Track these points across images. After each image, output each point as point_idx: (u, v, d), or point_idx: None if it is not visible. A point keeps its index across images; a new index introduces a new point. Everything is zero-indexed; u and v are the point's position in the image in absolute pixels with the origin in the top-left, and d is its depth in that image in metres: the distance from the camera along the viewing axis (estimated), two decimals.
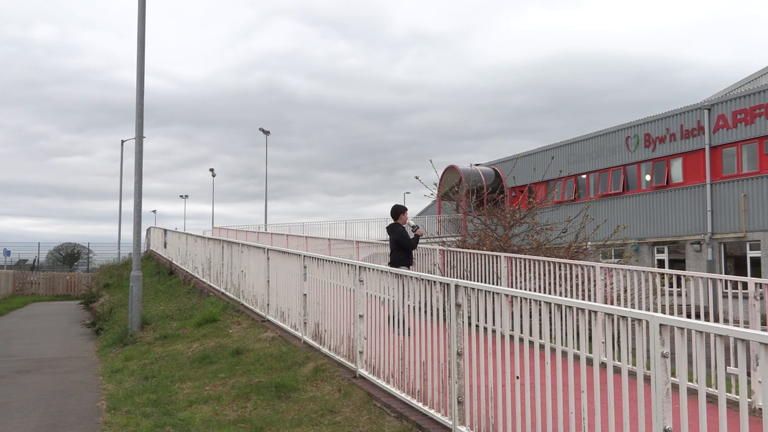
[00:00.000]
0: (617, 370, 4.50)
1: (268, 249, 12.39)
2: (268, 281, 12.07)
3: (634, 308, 7.88)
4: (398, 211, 11.08)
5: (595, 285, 9.60)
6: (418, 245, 11.76)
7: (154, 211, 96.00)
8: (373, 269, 7.74)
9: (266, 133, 52.28)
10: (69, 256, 72.50)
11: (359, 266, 7.97)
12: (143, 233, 35.59)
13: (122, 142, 51.93)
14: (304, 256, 10.09)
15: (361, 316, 7.78)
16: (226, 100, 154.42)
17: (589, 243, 17.56)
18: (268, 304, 12.12)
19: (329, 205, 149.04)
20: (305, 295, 9.88)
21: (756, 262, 26.59)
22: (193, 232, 24.27)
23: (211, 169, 70.33)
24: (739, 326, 6.95)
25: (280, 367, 8.94)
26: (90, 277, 40.53)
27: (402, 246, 10.87)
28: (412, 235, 11.03)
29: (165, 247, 29.27)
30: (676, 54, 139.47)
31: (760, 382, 5.77)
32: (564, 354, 7.11)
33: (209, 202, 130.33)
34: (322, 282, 9.20)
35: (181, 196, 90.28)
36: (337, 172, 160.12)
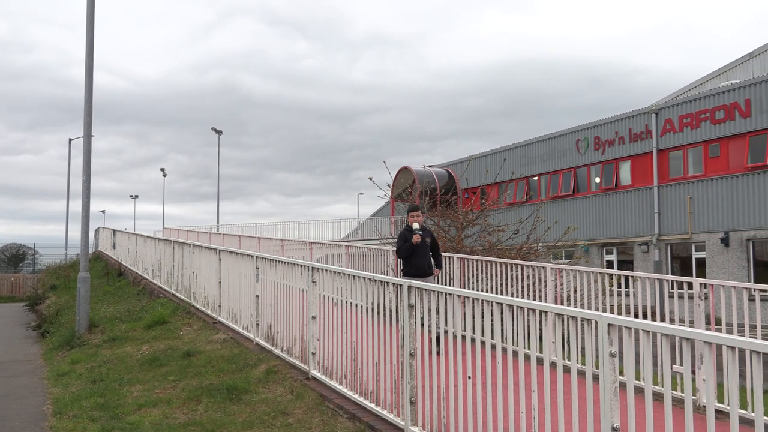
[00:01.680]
0: (567, 370, 4.57)
1: (220, 250, 12.27)
2: (220, 282, 11.95)
3: (583, 308, 8.01)
4: (407, 211, 10.12)
5: (545, 285, 9.73)
6: (411, 251, 9.59)
7: (103, 211, 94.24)
8: (327, 270, 7.72)
9: (219, 132, 51.77)
10: (14, 257, 70.68)
11: (312, 267, 7.94)
12: (91, 234, 34.89)
13: (70, 140, 50.83)
14: (257, 257, 10.01)
15: (314, 317, 7.74)
16: (181, 99, 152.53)
17: (540, 244, 17.79)
18: (219, 306, 11.99)
19: (284, 206, 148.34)
20: (258, 296, 9.80)
21: (701, 263, 27.25)
22: (144, 233, 23.90)
23: (162, 169, 69.40)
24: (684, 326, 7.11)
25: (231, 369, 8.85)
26: (36, 279, 39.53)
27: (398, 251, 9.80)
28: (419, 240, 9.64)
29: (114, 247, 28.76)
30: (629, 60, 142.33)
31: (704, 380, 5.91)
32: (515, 354, 7.19)
33: (161, 202, 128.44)
34: (275, 283, 9.14)
35: (131, 196, 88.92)
36: (293, 173, 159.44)
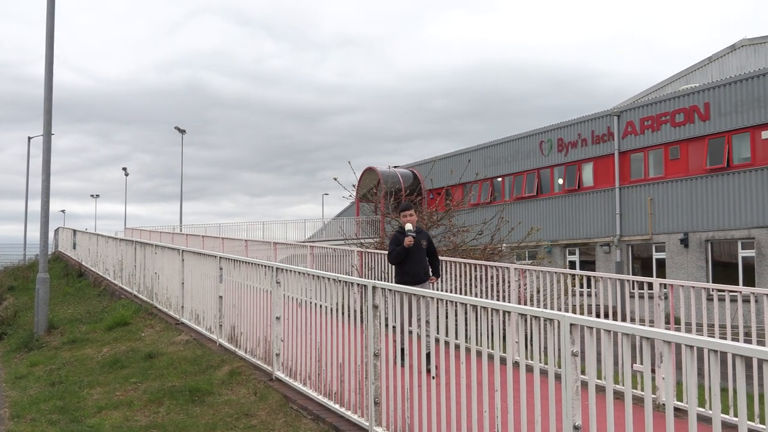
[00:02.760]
0: (530, 369, 4.61)
1: (182, 250, 12.14)
2: (183, 283, 11.83)
3: (546, 308, 8.09)
4: (399, 210, 9.10)
5: (509, 286, 9.80)
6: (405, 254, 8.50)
7: (63, 211, 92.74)
8: (291, 271, 7.68)
9: (182, 132, 51.26)
10: None
11: (276, 268, 7.90)
12: (51, 234, 34.30)
13: (29, 138, 49.90)
14: (220, 257, 9.93)
15: (278, 318, 7.71)
16: (146, 98, 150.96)
17: (503, 245, 17.91)
18: (182, 307, 11.87)
19: (249, 206, 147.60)
20: (221, 297, 9.72)
21: (661, 264, 27.68)
22: (105, 233, 23.55)
23: (124, 168, 68.51)
24: (644, 325, 7.21)
25: (194, 370, 8.76)
26: None
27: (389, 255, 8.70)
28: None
29: (74, 248, 28.30)
30: (593, 64, 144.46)
31: (663, 378, 6.00)
32: (479, 353, 7.22)
33: (124, 202, 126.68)
34: (239, 284, 9.08)
35: (93, 196, 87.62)
36: (259, 173, 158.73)
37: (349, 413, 6.14)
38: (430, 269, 8.82)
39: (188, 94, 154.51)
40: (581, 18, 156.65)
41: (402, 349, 5.54)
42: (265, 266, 8.27)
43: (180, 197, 52.99)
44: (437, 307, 5.06)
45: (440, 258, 12.23)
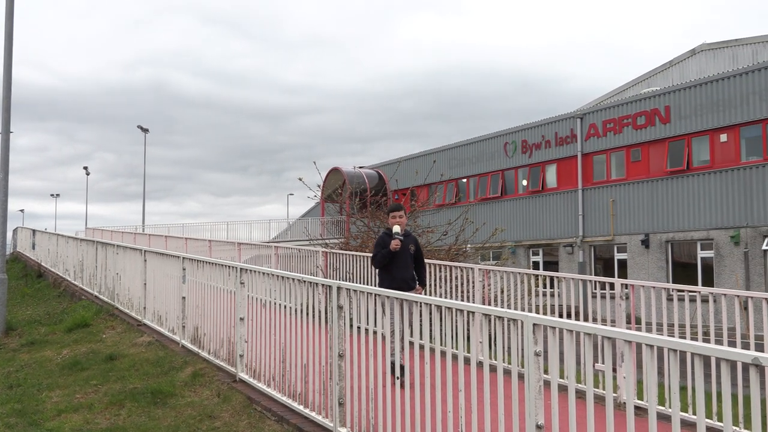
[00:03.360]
0: (493, 369, 4.64)
1: (145, 251, 12.00)
2: (145, 284, 11.69)
3: (510, 309, 8.14)
4: (388, 210, 8.47)
5: (473, 286, 9.85)
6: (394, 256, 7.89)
7: (22, 210, 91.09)
8: (255, 271, 7.63)
9: (145, 131, 50.70)
10: None
11: (240, 268, 7.85)
12: (9, 233, 33.65)
13: None
14: (184, 258, 9.84)
15: (242, 319, 7.65)
16: (109, 96, 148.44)
17: (468, 245, 18.01)
18: (144, 308, 11.73)
19: (214, 207, 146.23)
20: (184, 297, 9.63)
21: (623, 264, 28.08)
22: (66, 233, 23.17)
23: (85, 168, 67.51)
24: (606, 325, 7.31)
25: (156, 372, 8.66)
26: None
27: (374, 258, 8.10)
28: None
29: (33, 248, 27.79)
30: (558, 66, 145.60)
31: (624, 377, 6.08)
32: (443, 354, 7.25)
33: (85, 202, 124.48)
34: (202, 284, 9.00)
35: (53, 195, 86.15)
36: (224, 173, 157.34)
37: (313, 414, 6.12)
38: (416, 277, 8.18)
39: (153, 93, 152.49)
40: (547, 21, 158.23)
41: (393, 363, 5.39)
42: (229, 267, 8.21)
43: (143, 197, 52.41)
44: (402, 307, 5.06)
45: None
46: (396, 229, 7.87)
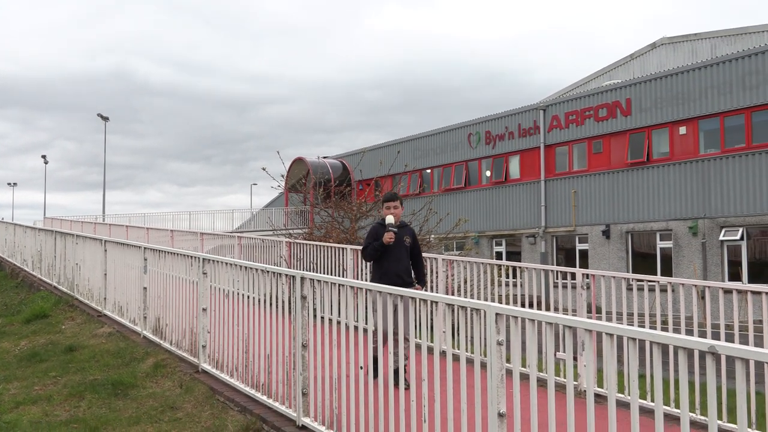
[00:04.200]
0: (456, 358, 4.67)
1: (105, 241, 11.83)
2: (106, 274, 11.53)
3: (473, 299, 8.20)
4: (382, 200, 7.75)
5: (437, 276, 9.90)
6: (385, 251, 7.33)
7: None
8: (218, 261, 7.58)
9: (105, 119, 49.92)
10: None
11: (203, 258, 7.78)
12: None
13: None
14: (145, 248, 9.73)
15: (204, 310, 7.60)
16: (70, 84, 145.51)
17: (432, 236, 18.08)
18: (105, 298, 11.57)
19: (177, 196, 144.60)
20: (145, 288, 9.53)
21: (584, 254, 28.44)
22: (23, 223, 22.74)
23: (44, 156, 66.30)
24: (567, 314, 7.40)
25: (117, 363, 8.56)
26: None
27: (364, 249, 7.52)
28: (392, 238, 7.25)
29: None
30: (524, 58, 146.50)
31: (585, 366, 6.17)
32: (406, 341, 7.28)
33: (45, 191, 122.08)
34: (164, 275, 8.91)
35: (9, 184, 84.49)
36: (187, 163, 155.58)
37: (276, 404, 6.11)
38: (414, 274, 7.56)
39: (116, 81, 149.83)
40: (516, 12, 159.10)
41: (375, 359, 5.23)
42: (192, 257, 8.14)
43: (103, 186, 51.60)
44: (366, 297, 5.07)
45: None
46: (389, 219, 7.29)
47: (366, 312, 5.07)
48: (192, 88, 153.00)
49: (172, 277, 8.62)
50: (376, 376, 5.03)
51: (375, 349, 5.28)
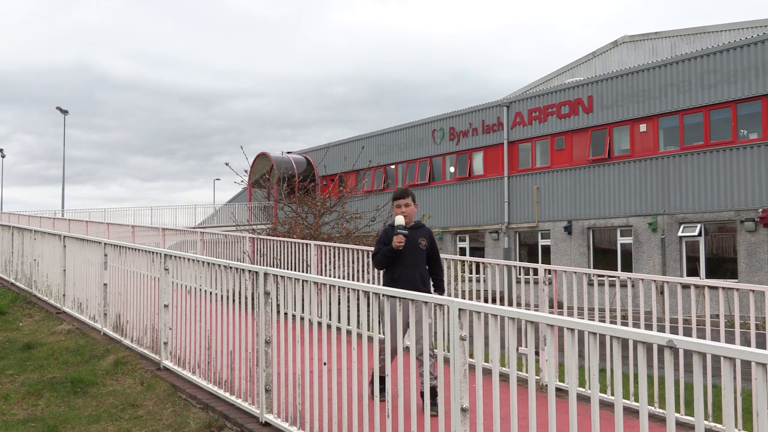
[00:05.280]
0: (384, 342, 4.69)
1: (64, 236, 11.63)
2: (65, 270, 11.34)
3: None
4: (392, 198, 6.80)
5: None
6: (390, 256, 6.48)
7: None
8: (180, 257, 7.50)
9: (64, 112, 49.04)
10: None
11: (165, 254, 7.70)
12: None
13: None
14: (105, 243, 9.58)
15: (166, 306, 7.52)
16: (33, 76, 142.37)
17: None
18: (64, 295, 11.39)
19: (139, 191, 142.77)
20: (106, 284, 9.39)
21: (546, 250, 28.73)
22: None
23: (1, 150, 64.86)
24: (530, 309, 7.47)
25: (76, 361, 8.43)
26: None
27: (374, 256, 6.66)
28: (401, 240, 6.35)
29: None
30: (493, 54, 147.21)
31: (546, 360, 6.24)
32: (370, 339, 7.28)
33: (2, 186, 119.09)
34: (125, 271, 8.79)
35: None
36: (150, 157, 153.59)
37: (239, 401, 6.07)
38: (432, 281, 6.72)
39: (79, 74, 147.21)
40: (482, 9, 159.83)
41: (382, 378, 4.77)
42: (153, 253, 8.05)
43: (62, 181, 50.69)
44: (329, 293, 5.06)
45: (333, 245, 12.22)
46: (399, 220, 6.39)
47: (370, 319, 5.05)
48: (156, 82, 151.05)
49: (134, 273, 8.51)
50: (383, 397, 4.48)
51: (382, 366, 4.83)
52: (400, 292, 4.53)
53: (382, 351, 4.97)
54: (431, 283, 6.68)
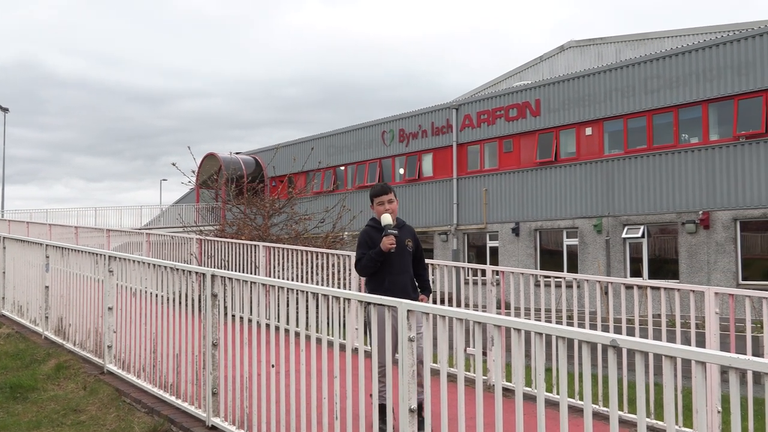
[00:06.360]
0: (368, 355, 4.69)
1: (4, 237, 11.32)
2: (4, 272, 11.03)
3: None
4: (371, 194, 6.11)
5: (350, 274, 9.90)
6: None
7: None
8: (125, 259, 7.36)
9: (4, 110, 47.74)
10: None
11: (109, 256, 7.55)
12: None
13: None
14: (47, 245, 9.35)
15: (110, 309, 7.37)
16: None
17: (345, 233, 18.09)
18: (3, 298, 11.07)
19: (85, 192, 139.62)
20: (47, 287, 9.16)
21: (494, 251, 29.03)
22: None
23: None
24: (478, 310, 7.54)
25: (16, 365, 8.20)
26: None
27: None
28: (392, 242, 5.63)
29: None
30: (445, 57, 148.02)
31: (494, 360, 6.31)
32: (318, 341, 7.26)
33: None
34: (68, 273, 8.59)
35: None
36: (96, 157, 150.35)
37: (185, 405, 5.98)
38: (417, 281, 6.02)
39: (22, 71, 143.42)
40: (433, 12, 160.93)
41: (382, 406, 4.46)
42: (97, 254, 7.88)
43: (2, 180, 49.31)
44: (278, 295, 5.02)
45: (282, 246, 12.14)
46: (386, 219, 5.69)
47: (278, 309, 5.02)
48: (104, 81, 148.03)
49: (77, 275, 8.33)
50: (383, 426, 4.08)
51: (383, 393, 4.30)
52: (353, 294, 4.52)
53: (381, 373, 4.52)
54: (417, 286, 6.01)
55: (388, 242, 5.53)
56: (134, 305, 6.96)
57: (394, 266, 5.65)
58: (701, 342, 6.02)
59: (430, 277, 6.19)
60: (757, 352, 6.29)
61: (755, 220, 21.57)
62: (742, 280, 21.54)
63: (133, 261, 7.20)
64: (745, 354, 3.96)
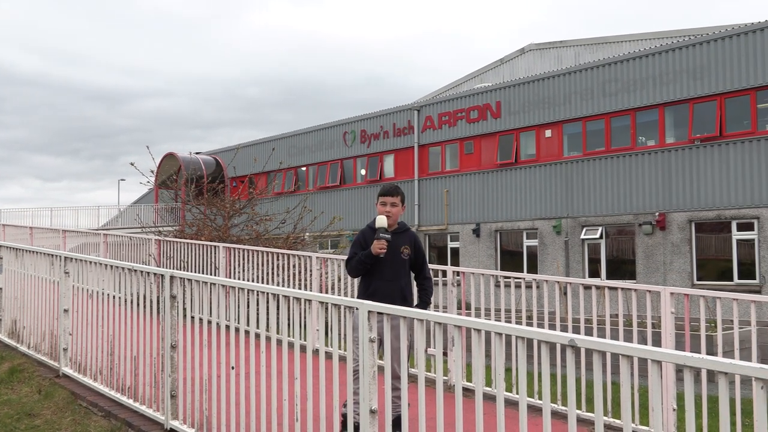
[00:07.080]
0: (329, 356, 4.68)
1: None
2: None
3: (347, 297, 8.23)
4: (378, 194, 5.94)
5: (311, 274, 9.88)
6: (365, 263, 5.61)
7: None
8: (81, 260, 7.24)
9: None
10: None
11: (65, 257, 7.41)
12: None
13: None
14: (0, 246, 9.16)
15: (66, 311, 7.23)
16: None
17: (306, 234, 18.03)
18: None
19: (41, 191, 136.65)
20: (1, 288, 8.97)
21: (455, 252, 29.18)
22: None
23: None
24: (438, 311, 7.57)
25: None
26: None
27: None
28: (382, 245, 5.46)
29: None
30: (409, 59, 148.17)
31: (454, 361, 6.34)
32: (279, 342, 7.22)
33: None
34: (22, 274, 8.42)
35: None
36: (53, 156, 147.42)
37: (143, 408, 5.90)
38: (417, 292, 5.86)
39: None
40: (397, 14, 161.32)
41: (356, 425, 4.15)
42: (53, 255, 7.74)
43: None
44: (238, 296, 4.98)
45: (242, 247, 12.04)
46: (381, 221, 5.52)
47: (238, 310, 4.98)
48: (62, 79, 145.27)
49: (31, 276, 8.17)
50: None
51: (357, 410, 4.05)
52: (314, 295, 4.50)
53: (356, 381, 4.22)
54: (416, 295, 5.84)
55: (377, 246, 5.37)
56: (91, 307, 6.85)
57: (384, 272, 5.47)
58: (657, 341, 6.12)
59: (432, 288, 5.84)
60: (711, 350, 6.42)
61: (709, 221, 22.02)
62: (697, 280, 21.98)
63: (90, 262, 7.08)
64: (700, 353, 4.04)
